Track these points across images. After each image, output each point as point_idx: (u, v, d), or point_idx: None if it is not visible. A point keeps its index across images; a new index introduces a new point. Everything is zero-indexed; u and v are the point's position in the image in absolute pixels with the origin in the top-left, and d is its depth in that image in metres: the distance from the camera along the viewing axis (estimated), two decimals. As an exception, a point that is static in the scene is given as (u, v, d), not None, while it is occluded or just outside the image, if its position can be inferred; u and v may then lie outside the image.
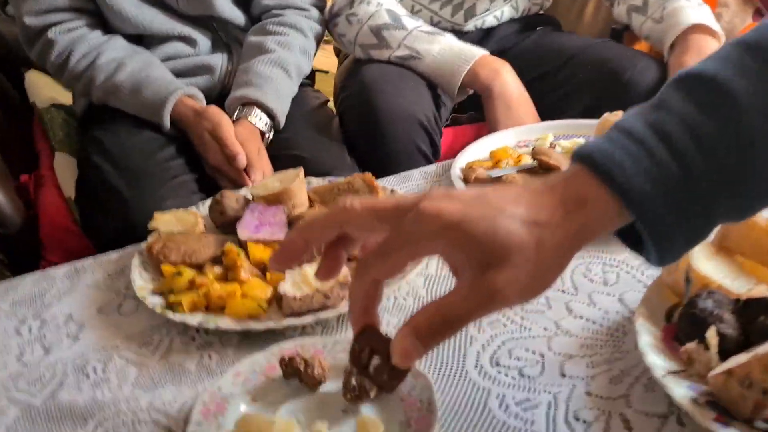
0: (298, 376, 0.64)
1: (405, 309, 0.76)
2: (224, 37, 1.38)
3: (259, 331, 0.72)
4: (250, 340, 0.73)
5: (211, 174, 1.21)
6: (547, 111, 1.26)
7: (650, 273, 0.77)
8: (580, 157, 0.48)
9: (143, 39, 1.32)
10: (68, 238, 1.20)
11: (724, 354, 0.60)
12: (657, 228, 0.46)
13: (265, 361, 0.67)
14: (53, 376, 0.71)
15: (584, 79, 1.31)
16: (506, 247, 0.44)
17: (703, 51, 1.19)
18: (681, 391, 0.58)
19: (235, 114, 1.22)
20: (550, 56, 1.40)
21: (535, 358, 0.67)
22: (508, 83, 1.24)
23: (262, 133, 1.23)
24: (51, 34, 1.25)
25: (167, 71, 1.27)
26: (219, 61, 1.36)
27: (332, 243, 0.52)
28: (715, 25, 1.24)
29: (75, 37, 1.26)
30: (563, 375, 0.65)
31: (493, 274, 0.43)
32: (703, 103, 0.47)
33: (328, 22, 1.42)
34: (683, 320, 0.63)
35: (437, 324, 0.44)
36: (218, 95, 1.34)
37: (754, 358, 0.55)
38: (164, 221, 0.90)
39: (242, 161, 1.14)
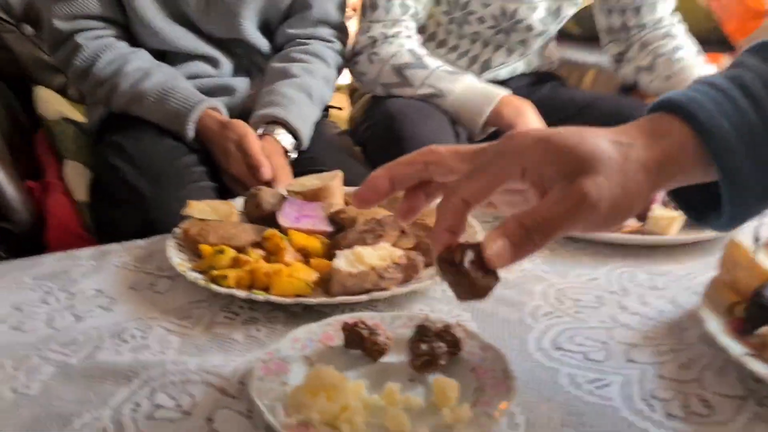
0: (360, 344, 0.61)
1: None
2: (247, 61, 1.40)
3: (311, 306, 0.70)
4: (297, 319, 0.70)
5: (231, 186, 1.19)
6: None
7: (699, 281, 0.77)
8: (660, 102, 0.49)
9: (167, 56, 1.33)
10: (76, 242, 1.16)
11: (797, 341, 0.59)
12: (732, 169, 0.47)
13: (321, 331, 0.64)
14: (88, 340, 0.66)
15: (599, 126, 1.34)
16: (595, 157, 0.44)
17: None
18: (761, 368, 0.57)
19: (260, 131, 1.22)
20: (564, 106, 1.44)
21: (598, 345, 0.66)
22: (531, 121, 1.27)
23: (286, 151, 1.22)
24: (79, 38, 1.25)
25: (191, 85, 1.27)
26: (241, 84, 1.37)
27: (414, 186, 0.51)
28: None
29: (103, 45, 1.26)
30: (629, 360, 0.63)
31: (582, 179, 0.44)
32: None
33: (349, 60, 1.45)
34: (752, 308, 0.63)
35: (528, 227, 0.43)
36: (237, 117, 1.34)
37: (840, 333, 0.54)
38: (199, 209, 0.88)
39: (267, 172, 1.13)
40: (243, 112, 1.35)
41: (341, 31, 1.44)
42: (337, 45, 1.42)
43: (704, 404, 0.57)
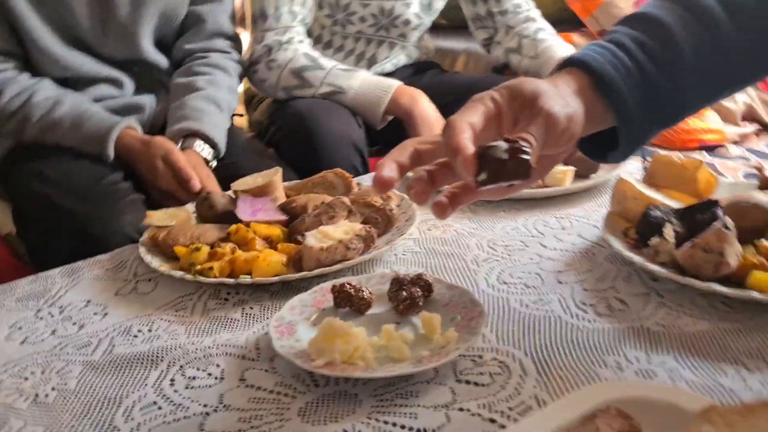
0: (349, 301, 0.73)
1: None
2: (148, 79, 1.45)
3: (288, 282, 0.80)
4: (279, 295, 0.81)
5: (159, 199, 1.25)
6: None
7: (594, 218, 0.95)
8: (559, 64, 0.65)
9: (69, 82, 1.36)
10: (14, 273, 1.17)
11: (677, 246, 0.77)
12: (620, 102, 0.61)
13: (311, 298, 0.75)
14: (100, 340, 0.73)
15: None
16: (536, 88, 0.57)
17: None
18: (657, 269, 0.74)
19: (178, 145, 1.28)
20: (447, 91, 1.60)
21: (533, 275, 0.81)
22: (426, 107, 1.42)
23: (207, 161, 1.30)
24: (-22, 76, 1.25)
25: (101, 109, 1.31)
26: (146, 101, 1.42)
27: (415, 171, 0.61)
28: None
29: (4, 79, 1.28)
30: (559, 282, 0.79)
31: (541, 102, 0.56)
32: (643, 27, 0.65)
33: (247, 70, 1.53)
34: (642, 226, 0.81)
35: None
36: (148, 134, 1.39)
37: (710, 232, 0.73)
38: (158, 217, 0.95)
39: (197, 183, 1.20)
40: (152, 128, 1.41)
41: (236, 41, 1.53)
42: (235, 55, 1.51)
43: (621, 302, 0.74)
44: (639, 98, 0.63)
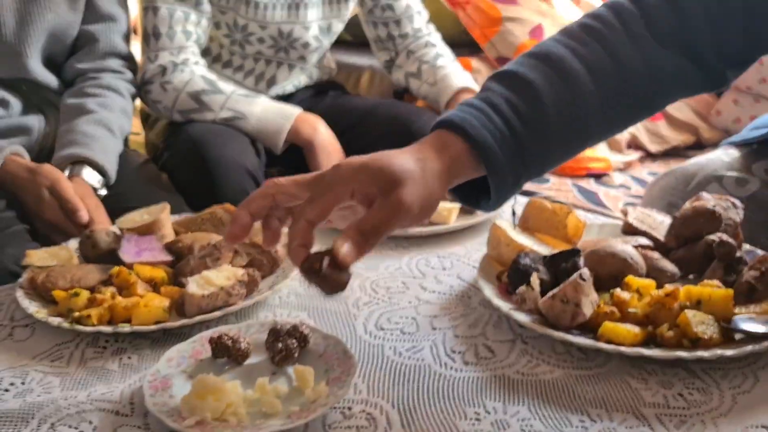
0: (227, 352, 0.74)
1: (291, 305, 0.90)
2: (36, 98, 1.41)
3: (170, 329, 0.81)
4: (160, 342, 0.81)
5: (45, 231, 1.22)
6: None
7: (475, 257, 1.00)
8: (440, 122, 0.69)
9: (-51, 101, 1.31)
10: None
11: (543, 293, 0.83)
12: (494, 164, 0.67)
13: (190, 348, 0.76)
14: (-32, 396, 0.72)
15: (379, 132, 1.56)
16: (403, 173, 0.62)
17: None
18: (521, 317, 0.80)
19: (66, 173, 1.25)
20: (346, 115, 1.64)
21: (409, 320, 0.85)
22: (325, 136, 1.45)
23: (95, 189, 1.27)
24: None
25: None
26: (35, 123, 1.38)
27: (267, 216, 0.66)
28: (475, 86, 1.58)
29: None
30: (434, 328, 0.83)
31: (396, 192, 0.61)
32: (513, 87, 0.70)
33: (140, 89, 1.51)
34: (512, 273, 0.86)
35: (365, 231, 0.60)
36: (35, 158, 1.35)
37: (567, 284, 0.78)
38: (38, 257, 0.94)
39: (84, 216, 1.17)
40: (41, 151, 1.37)
41: (130, 60, 1.50)
42: (128, 75, 1.48)
43: (488, 350, 0.79)
44: (509, 157, 0.68)
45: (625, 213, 1.01)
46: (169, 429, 0.65)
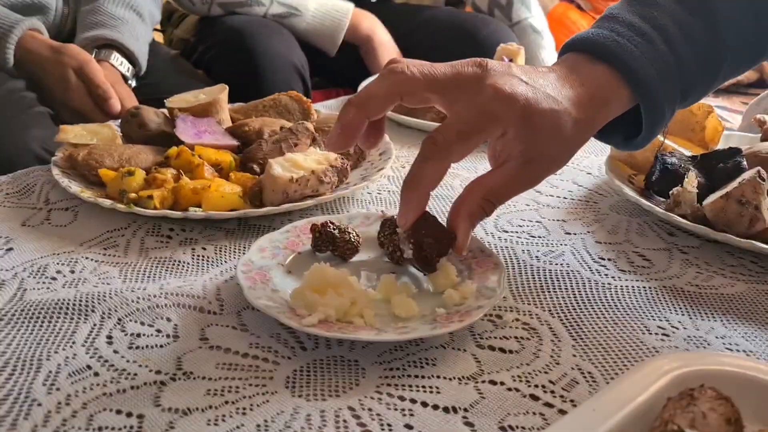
0: (331, 244, 0.59)
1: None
2: (54, -25, 1.22)
3: (245, 219, 0.66)
4: (237, 234, 0.66)
5: (68, 120, 1.05)
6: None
7: (585, 164, 0.85)
8: (603, 51, 0.52)
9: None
10: None
11: (698, 197, 0.68)
12: (653, 106, 0.52)
13: (284, 239, 0.61)
14: (4, 282, 0.56)
15: (440, 41, 1.38)
16: (559, 148, 0.50)
17: None
18: (680, 221, 0.65)
19: (92, 56, 1.08)
20: (402, 19, 1.46)
21: (534, 224, 0.70)
22: (384, 34, 1.28)
23: (125, 79, 1.10)
24: None
25: None
26: (52, 1, 1.19)
27: None
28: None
29: None
30: (567, 233, 0.69)
31: (538, 167, 0.50)
32: (688, 5, 0.54)
33: None
34: (658, 174, 0.72)
35: (492, 201, 0.51)
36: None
37: (746, 182, 0.64)
38: (75, 133, 0.77)
39: (116, 104, 1.01)
40: (58, 35, 1.19)
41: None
42: (157, -43, 1.29)
43: (642, 258, 0.64)
44: (672, 94, 0.53)
45: (762, 122, 0.87)
46: (274, 330, 0.50)
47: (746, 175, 0.65)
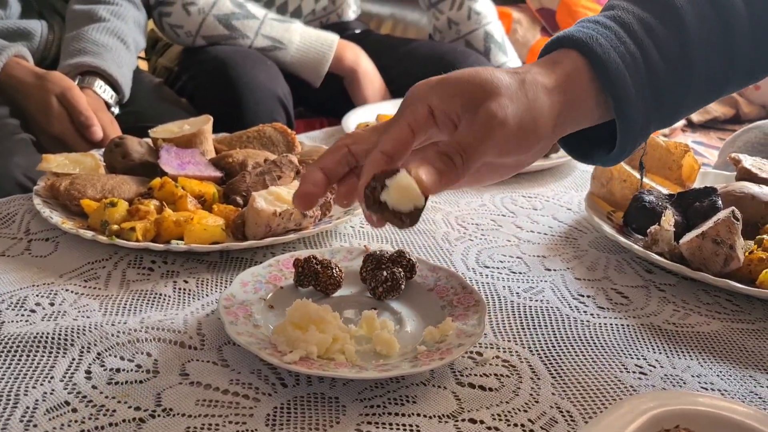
0: (314, 279, 0.59)
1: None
2: (36, 3, 1.23)
3: (235, 252, 0.66)
4: (219, 268, 0.66)
5: (49, 147, 1.05)
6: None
7: (565, 199, 0.86)
8: (554, 40, 0.52)
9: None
10: None
11: (675, 236, 0.70)
12: (622, 96, 0.50)
13: (266, 273, 0.61)
14: (-18, 315, 0.56)
15: (421, 72, 1.39)
16: (493, 83, 0.46)
17: None
18: (657, 259, 0.66)
19: (75, 83, 1.08)
20: (384, 52, 1.47)
21: (515, 259, 0.71)
22: (368, 65, 1.29)
23: (108, 106, 1.10)
24: None
25: None
26: (36, 27, 1.20)
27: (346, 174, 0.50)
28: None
29: None
30: (547, 269, 0.69)
31: (486, 104, 0.45)
32: (653, 10, 0.53)
33: (152, 10, 1.32)
34: (636, 211, 0.73)
35: (449, 153, 0.45)
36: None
37: (720, 222, 0.65)
38: (57, 162, 0.77)
39: (98, 132, 1.01)
40: (42, 62, 1.19)
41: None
42: (141, -12, 1.30)
43: (621, 295, 0.65)
44: (640, 88, 0.51)
45: (736, 161, 0.89)
46: (254, 366, 0.50)
47: (721, 214, 0.67)
